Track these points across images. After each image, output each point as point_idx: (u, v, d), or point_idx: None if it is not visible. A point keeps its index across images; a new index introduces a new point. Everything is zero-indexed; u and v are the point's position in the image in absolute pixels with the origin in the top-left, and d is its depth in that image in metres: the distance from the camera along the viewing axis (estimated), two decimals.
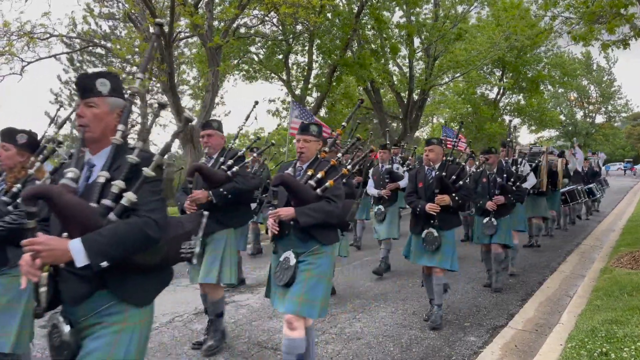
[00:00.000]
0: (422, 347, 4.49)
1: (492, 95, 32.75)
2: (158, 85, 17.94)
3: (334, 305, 5.83)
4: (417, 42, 20.73)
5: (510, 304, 5.88)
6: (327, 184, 3.40)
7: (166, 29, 12.08)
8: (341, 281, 7.02)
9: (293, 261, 3.36)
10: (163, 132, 30.58)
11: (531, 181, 7.76)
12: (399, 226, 7.53)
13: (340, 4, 17.73)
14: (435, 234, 4.92)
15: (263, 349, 4.46)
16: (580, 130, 52.36)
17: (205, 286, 4.37)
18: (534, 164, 8.34)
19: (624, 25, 8.54)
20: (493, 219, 6.23)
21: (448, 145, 10.61)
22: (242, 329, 5.05)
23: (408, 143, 17.32)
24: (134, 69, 24.48)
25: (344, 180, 5.17)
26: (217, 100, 18.48)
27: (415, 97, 21.37)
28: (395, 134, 23.68)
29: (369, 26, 18.73)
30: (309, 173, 3.50)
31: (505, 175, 6.42)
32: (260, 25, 16.60)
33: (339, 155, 4.11)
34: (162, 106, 3.08)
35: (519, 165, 7.17)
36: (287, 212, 3.33)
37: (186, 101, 26.19)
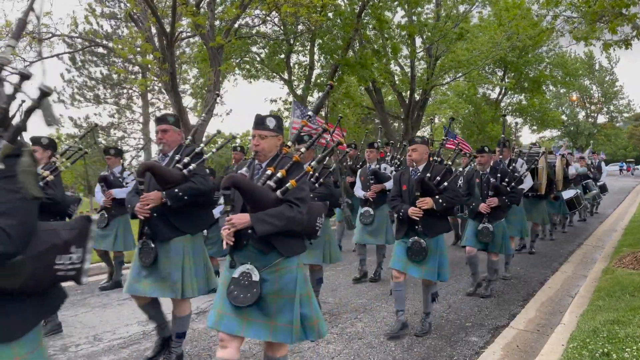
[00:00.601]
0: (423, 347, 4.49)
1: (493, 96, 32.74)
2: (160, 84, 17.97)
3: (336, 305, 5.83)
4: (418, 42, 20.71)
5: (511, 304, 5.88)
6: (288, 184, 2.88)
7: (168, 28, 12.09)
8: (342, 281, 7.02)
9: (256, 276, 2.86)
10: None
11: (528, 183, 7.50)
12: (388, 231, 6.86)
13: (342, 3, 17.70)
14: (423, 244, 4.52)
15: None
16: (582, 131, 52.29)
17: (175, 301, 3.94)
18: (532, 166, 7.88)
19: (626, 25, 8.52)
20: (489, 225, 5.87)
21: (448, 146, 10.42)
22: None
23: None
24: (136, 68, 24.57)
25: (320, 180, 4.92)
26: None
27: (417, 97, 21.34)
28: (396, 134, 23.66)
29: (370, 26, 18.70)
30: (268, 172, 2.98)
31: (499, 176, 6.04)
32: (261, 25, 16.58)
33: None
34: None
35: (515, 165, 6.99)
36: (242, 219, 2.85)
37: (188, 101, 26.23)
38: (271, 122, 3.12)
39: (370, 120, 29.13)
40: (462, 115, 30.77)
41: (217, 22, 13.96)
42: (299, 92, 19.00)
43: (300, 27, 17.35)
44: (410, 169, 4.83)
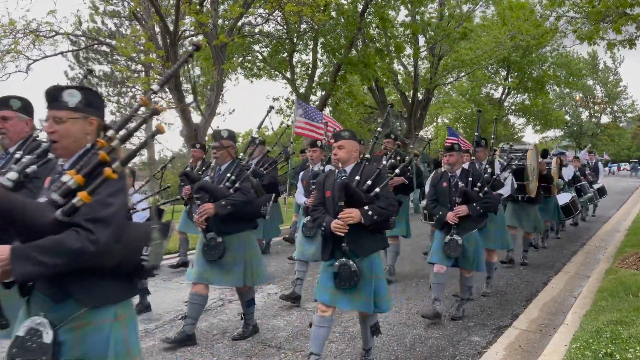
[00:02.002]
0: (425, 346, 4.49)
1: (497, 95, 32.71)
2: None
3: None
4: (422, 41, 20.70)
5: (514, 304, 5.87)
6: (75, 199, 1.86)
7: (171, 27, 12.11)
8: None
9: (48, 337, 1.92)
10: (168, 130, 30.66)
11: (508, 187, 6.64)
12: None
13: (345, 2, 17.72)
14: (353, 267, 3.51)
15: (267, 347, 4.46)
16: (586, 131, 52.16)
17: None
18: (512, 166, 6.81)
19: (630, 24, 8.50)
20: (457, 237, 4.95)
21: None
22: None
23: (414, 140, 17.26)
24: (139, 67, 24.60)
25: (235, 185, 4.31)
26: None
27: (420, 96, 21.34)
28: (399, 133, 23.64)
29: (373, 25, 18.72)
30: (65, 178, 1.98)
31: (470, 179, 5.15)
32: (264, 24, 16.60)
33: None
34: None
35: (492, 166, 6.02)
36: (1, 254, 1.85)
37: (190, 99, 26.24)
38: (72, 97, 2.05)
39: (373, 119, 29.11)
40: (465, 114, 30.74)
41: (220, 21, 13.97)
42: (301, 90, 19.00)
43: (303, 25, 17.35)
44: (337, 170, 3.83)
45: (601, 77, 52.79)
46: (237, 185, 4.32)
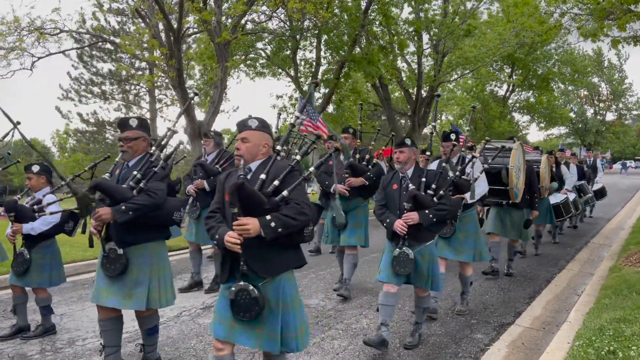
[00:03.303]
0: (428, 343, 4.49)
1: (501, 93, 32.59)
2: (167, 80, 18.02)
3: (341, 301, 5.84)
4: (425, 38, 20.64)
5: (517, 301, 5.86)
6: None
7: (175, 24, 12.12)
8: None
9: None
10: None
11: (480, 189, 5.45)
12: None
13: None
14: (253, 293, 2.74)
15: None
16: (590, 128, 51.98)
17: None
18: (485, 166, 5.64)
19: (634, 22, 8.46)
20: (407, 250, 4.08)
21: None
22: None
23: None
24: (143, 64, 24.65)
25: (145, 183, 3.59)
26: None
27: (424, 93, 21.29)
28: (403, 131, 23.61)
29: (377, 22, 18.66)
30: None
31: (424, 180, 4.23)
32: (268, 22, 16.58)
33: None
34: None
35: (465, 166, 5.21)
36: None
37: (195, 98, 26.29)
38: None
39: (376, 117, 29.08)
40: (469, 111, 30.66)
41: (223, 18, 13.97)
42: (305, 88, 18.99)
43: (306, 23, 17.33)
44: (239, 169, 3.02)
45: (606, 74, 52.57)
46: (142, 185, 3.51)
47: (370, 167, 5.97)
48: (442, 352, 4.30)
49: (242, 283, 2.76)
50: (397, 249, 4.13)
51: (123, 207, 3.39)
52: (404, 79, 21.20)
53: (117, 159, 3.80)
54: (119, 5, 19.69)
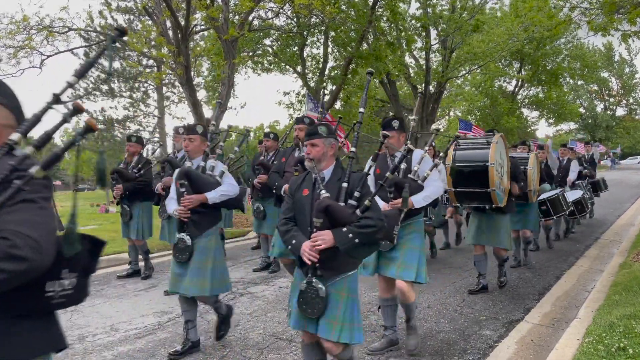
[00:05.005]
0: (436, 340, 4.48)
1: (510, 88, 32.40)
2: (174, 78, 18.08)
3: None
4: (433, 34, 20.56)
5: (526, 298, 5.83)
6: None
7: (182, 22, 12.14)
8: None
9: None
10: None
11: (433, 190, 4.16)
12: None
13: None
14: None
15: (278, 340, 4.48)
16: (600, 123, 51.55)
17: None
18: (439, 161, 4.77)
19: None
20: (318, 283, 2.92)
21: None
22: (257, 320, 5.08)
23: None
24: (151, 62, 24.75)
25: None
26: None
27: (432, 89, 21.21)
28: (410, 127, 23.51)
29: (384, 18, 18.60)
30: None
31: (345, 185, 3.02)
32: (275, 18, 16.57)
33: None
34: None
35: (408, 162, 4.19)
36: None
37: (202, 94, 26.40)
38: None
39: (384, 113, 29.01)
40: (478, 107, 30.52)
41: (230, 15, 13.98)
42: (312, 84, 18.98)
43: (313, 19, 17.30)
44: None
45: (617, 69, 52.07)
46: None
47: None
48: (450, 348, 4.29)
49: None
50: (305, 282, 2.94)
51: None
52: (412, 75, 21.13)
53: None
54: (126, 4, 19.78)
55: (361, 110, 3.39)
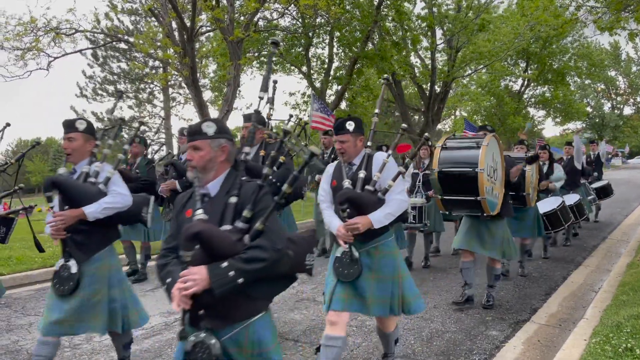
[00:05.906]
0: (443, 340, 4.48)
1: (516, 87, 32.27)
2: (180, 79, 18.14)
3: None
4: (439, 33, 20.50)
5: (533, 298, 5.81)
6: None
7: (188, 23, 12.19)
8: None
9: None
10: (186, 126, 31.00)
11: (396, 206, 3.33)
12: None
13: None
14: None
15: (285, 340, 4.49)
16: (608, 122, 51.25)
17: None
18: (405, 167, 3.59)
19: None
20: (208, 338, 2.18)
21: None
22: None
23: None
24: (157, 63, 24.86)
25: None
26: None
27: (438, 89, 21.16)
28: (416, 127, 23.49)
29: (389, 18, 18.57)
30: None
31: (233, 201, 2.31)
32: (280, 19, 16.59)
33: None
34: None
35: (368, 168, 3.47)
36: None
37: (207, 95, 26.51)
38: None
39: (390, 113, 28.96)
40: (484, 107, 30.42)
41: (235, 16, 14.02)
42: (317, 85, 18.98)
43: (318, 20, 17.31)
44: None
45: (624, 67, 51.76)
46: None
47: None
48: (456, 348, 4.28)
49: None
50: (192, 338, 2.11)
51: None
52: (418, 74, 21.09)
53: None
54: (132, 5, 19.86)
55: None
